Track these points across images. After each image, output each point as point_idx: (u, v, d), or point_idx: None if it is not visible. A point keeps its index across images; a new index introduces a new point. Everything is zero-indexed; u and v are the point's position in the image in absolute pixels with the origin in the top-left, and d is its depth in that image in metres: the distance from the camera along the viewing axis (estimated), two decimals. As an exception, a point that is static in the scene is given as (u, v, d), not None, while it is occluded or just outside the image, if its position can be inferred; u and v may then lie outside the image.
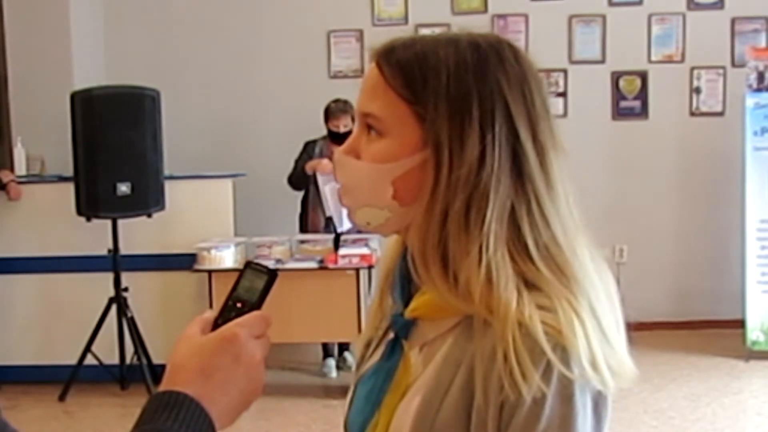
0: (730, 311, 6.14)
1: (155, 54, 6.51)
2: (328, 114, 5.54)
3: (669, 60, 6.48)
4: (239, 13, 6.52)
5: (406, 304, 1.03)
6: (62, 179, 5.57)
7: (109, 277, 5.31)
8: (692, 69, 6.47)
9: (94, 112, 5.10)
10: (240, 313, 0.93)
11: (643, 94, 6.52)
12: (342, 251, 5.13)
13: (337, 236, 5.45)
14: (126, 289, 5.34)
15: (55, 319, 5.65)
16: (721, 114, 6.48)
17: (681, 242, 6.55)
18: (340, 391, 5.25)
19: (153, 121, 5.32)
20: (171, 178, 5.54)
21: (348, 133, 5.33)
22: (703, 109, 6.50)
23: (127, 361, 5.35)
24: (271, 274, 0.95)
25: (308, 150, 5.62)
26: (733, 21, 6.44)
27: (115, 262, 5.31)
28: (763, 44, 6.34)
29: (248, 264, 0.98)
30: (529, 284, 0.95)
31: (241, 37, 6.52)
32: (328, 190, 5.29)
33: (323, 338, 5.56)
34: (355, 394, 1.09)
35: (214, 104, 6.55)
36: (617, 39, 6.45)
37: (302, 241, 5.43)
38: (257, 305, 0.94)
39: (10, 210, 5.58)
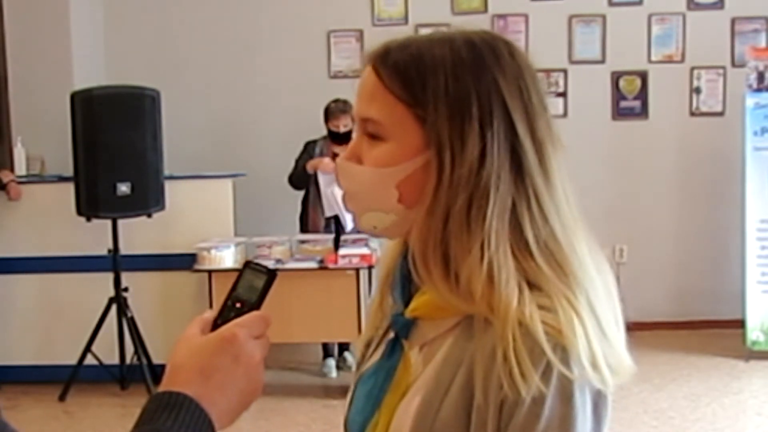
0: (730, 311, 6.13)
1: (155, 54, 6.51)
2: (328, 114, 5.54)
3: (669, 60, 6.48)
4: (239, 13, 6.52)
5: (407, 303, 1.03)
6: (62, 179, 5.57)
7: (109, 277, 5.31)
8: (692, 69, 6.47)
9: (94, 112, 5.10)
10: (239, 313, 0.93)
11: (643, 94, 6.52)
12: (342, 251, 5.13)
13: (338, 236, 5.46)
14: (126, 289, 5.34)
15: (55, 319, 5.65)
16: (721, 114, 6.48)
17: (681, 242, 6.55)
18: (340, 391, 5.25)
19: (153, 121, 5.31)
20: (171, 178, 5.54)
21: (348, 133, 5.38)
22: (703, 109, 6.50)
23: (127, 361, 5.35)
24: (271, 274, 0.95)
25: (309, 150, 5.63)
26: (733, 21, 6.44)
27: (115, 262, 5.31)
28: (763, 44, 6.34)
29: (247, 264, 0.97)
30: (530, 282, 0.95)
31: (241, 38, 6.52)
32: (330, 192, 5.29)
33: (323, 338, 5.56)
34: (355, 394, 1.09)
35: (214, 104, 6.55)
36: (617, 39, 6.45)
37: (302, 241, 5.43)
38: (257, 305, 0.94)
39: (10, 210, 5.58)
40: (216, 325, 0.93)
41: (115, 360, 5.36)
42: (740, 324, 5.78)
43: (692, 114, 6.52)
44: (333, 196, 5.33)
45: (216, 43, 6.52)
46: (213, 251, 5.21)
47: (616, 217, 6.33)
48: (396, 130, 0.99)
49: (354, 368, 1.17)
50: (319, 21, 6.49)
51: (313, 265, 5.15)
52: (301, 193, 5.71)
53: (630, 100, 6.53)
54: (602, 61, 6.50)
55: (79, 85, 5.57)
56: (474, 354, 0.95)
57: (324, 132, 5.63)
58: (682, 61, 6.48)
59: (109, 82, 5.90)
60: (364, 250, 5.12)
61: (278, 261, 5.15)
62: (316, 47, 6.52)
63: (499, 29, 6.25)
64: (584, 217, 1.02)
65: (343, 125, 5.44)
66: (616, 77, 6.51)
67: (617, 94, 6.54)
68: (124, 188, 5.19)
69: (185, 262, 5.34)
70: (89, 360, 5.27)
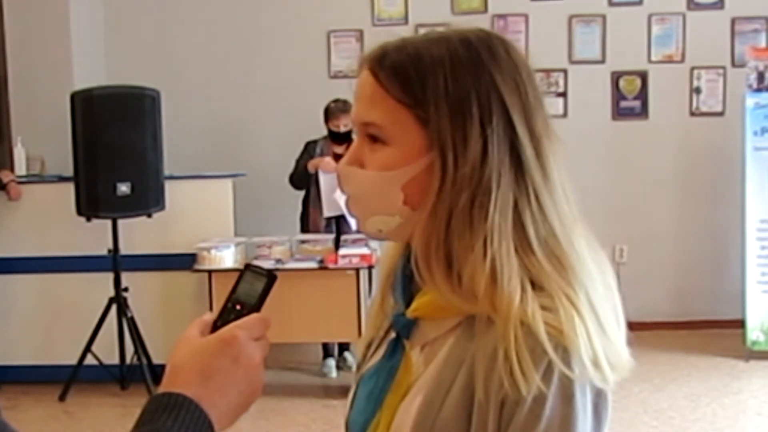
0: (730, 311, 6.13)
1: (155, 54, 6.51)
2: (328, 114, 5.54)
3: (669, 60, 6.48)
4: (239, 13, 6.52)
5: (408, 304, 1.03)
6: (62, 179, 5.57)
7: (109, 277, 5.31)
8: (692, 69, 6.47)
9: (94, 112, 5.10)
10: (239, 315, 0.93)
11: (643, 94, 6.52)
12: (342, 251, 5.13)
13: (338, 236, 5.47)
14: (126, 289, 5.34)
15: (55, 319, 5.65)
16: (721, 114, 6.48)
17: (681, 242, 6.55)
18: (340, 391, 5.25)
19: (153, 121, 5.31)
20: (171, 178, 5.54)
21: (348, 133, 5.38)
22: (703, 109, 6.50)
23: (127, 361, 5.35)
24: (271, 277, 0.95)
25: (309, 150, 5.63)
26: (733, 21, 6.43)
27: (115, 262, 5.31)
28: (763, 44, 6.34)
29: (247, 266, 0.98)
30: (531, 279, 0.95)
31: (240, 37, 6.52)
32: (332, 192, 5.29)
33: (323, 338, 5.56)
34: (356, 394, 1.09)
35: (214, 104, 6.55)
36: (617, 39, 6.45)
37: (302, 241, 5.43)
38: (256, 308, 0.94)
39: (10, 210, 5.58)
40: (215, 326, 0.93)
41: (115, 360, 5.36)
42: (740, 324, 5.78)
43: (692, 114, 6.52)
44: (335, 196, 5.33)
45: (216, 43, 6.52)
46: (213, 251, 5.21)
47: (616, 217, 6.33)
48: (398, 132, 0.99)
49: (354, 368, 1.17)
50: (319, 21, 6.49)
51: (313, 265, 5.15)
52: (301, 193, 5.71)
53: (630, 100, 6.53)
54: (602, 61, 6.50)
55: (79, 85, 5.57)
56: (475, 353, 0.95)
57: (324, 132, 5.63)
58: (682, 61, 6.48)
59: (109, 82, 5.90)
60: (364, 250, 5.12)
61: (278, 261, 5.16)
62: (316, 47, 6.52)
63: (499, 29, 6.25)
64: (584, 217, 1.02)
65: (343, 125, 5.44)
66: (616, 77, 6.51)
67: (617, 94, 6.54)
68: (124, 188, 5.19)
69: (185, 262, 5.33)
70: (89, 360, 5.27)
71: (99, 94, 5.22)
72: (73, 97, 5.11)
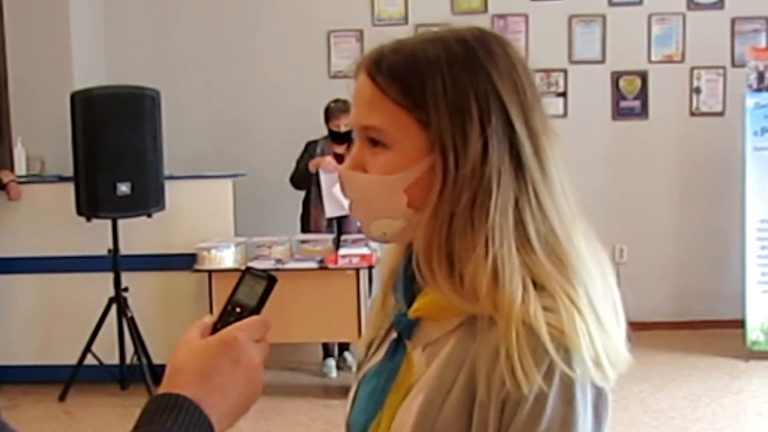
0: (730, 311, 6.13)
1: (155, 54, 6.51)
2: (329, 114, 5.55)
3: (669, 60, 6.48)
4: (239, 13, 6.52)
5: (410, 304, 1.03)
6: (62, 179, 5.57)
7: (109, 277, 5.31)
8: (692, 69, 6.47)
9: (94, 112, 5.10)
10: (239, 317, 0.93)
11: (643, 94, 6.52)
12: (342, 251, 5.13)
13: (339, 235, 5.48)
14: (126, 289, 5.34)
15: (55, 319, 5.65)
16: (721, 114, 6.48)
17: (681, 242, 6.55)
18: (340, 391, 5.25)
19: (153, 121, 5.31)
20: (171, 178, 5.54)
21: (349, 132, 5.38)
22: (703, 109, 6.50)
23: (127, 361, 5.35)
24: (271, 280, 0.95)
25: (309, 150, 5.63)
26: (733, 21, 6.44)
27: (115, 262, 5.31)
28: (763, 44, 6.34)
29: (248, 269, 0.98)
30: (533, 278, 0.95)
31: (241, 37, 6.52)
32: (334, 191, 5.30)
33: (323, 338, 5.56)
34: (357, 394, 1.09)
35: (214, 104, 6.55)
36: (617, 39, 6.45)
37: (302, 241, 5.43)
38: (256, 310, 0.94)
39: (10, 210, 5.58)
40: (215, 329, 0.93)
41: (115, 360, 5.36)
42: (740, 324, 5.78)
43: (692, 114, 6.52)
44: (337, 195, 5.34)
45: (216, 43, 6.52)
46: (213, 251, 5.21)
47: (616, 217, 6.33)
48: (399, 135, 0.99)
49: (354, 368, 1.17)
50: (319, 21, 6.49)
51: (313, 265, 5.15)
52: (301, 194, 5.70)
53: (630, 100, 6.53)
54: (602, 61, 6.50)
55: (79, 85, 5.57)
56: (477, 353, 0.95)
57: (324, 132, 5.63)
58: (682, 61, 6.48)
59: (109, 82, 5.90)
60: (364, 250, 5.11)
61: (278, 261, 5.15)
62: (316, 47, 6.52)
63: (499, 29, 6.25)
64: (584, 217, 1.02)
65: (343, 124, 5.44)
66: (616, 77, 6.51)
67: (617, 94, 6.54)
68: (124, 188, 5.19)
69: (185, 262, 5.33)
70: (89, 360, 5.27)
71: (99, 94, 5.22)
72: (73, 97, 5.11)
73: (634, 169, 6.53)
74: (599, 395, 0.94)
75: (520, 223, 0.96)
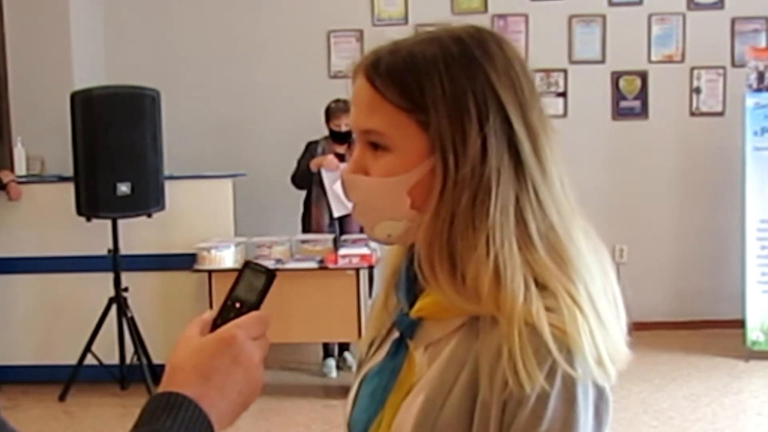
0: (730, 311, 6.13)
1: (155, 54, 6.51)
2: (329, 114, 5.55)
3: (669, 60, 6.48)
4: (239, 13, 6.52)
5: (412, 304, 1.04)
6: (62, 179, 5.57)
7: (109, 277, 5.31)
8: (692, 69, 6.47)
9: (94, 112, 5.10)
10: (239, 313, 0.93)
11: (643, 94, 6.52)
12: (342, 251, 5.13)
13: (341, 234, 5.47)
14: (126, 289, 5.34)
15: (55, 319, 5.65)
16: (721, 114, 6.48)
17: (681, 242, 6.55)
18: (340, 391, 5.25)
19: (153, 121, 5.31)
20: (171, 178, 5.54)
21: (349, 132, 5.38)
22: (703, 109, 6.50)
23: (127, 361, 5.35)
24: (270, 275, 0.95)
25: (310, 150, 5.63)
26: (733, 21, 6.44)
27: (115, 262, 5.31)
28: (763, 44, 6.34)
29: (247, 264, 0.97)
30: (535, 276, 0.95)
31: (241, 37, 6.52)
32: (336, 190, 5.30)
33: (323, 338, 5.56)
34: (358, 393, 1.09)
35: (214, 104, 6.55)
36: (617, 39, 6.45)
37: (302, 241, 5.42)
38: (256, 305, 0.94)
39: (10, 210, 5.58)
40: (215, 325, 0.93)
41: (115, 360, 5.36)
42: (740, 324, 5.78)
43: (692, 114, 6.52)
44: (334, 193, 5.34)
45: (216, 43, 6.52)
46: (213, 251, 5.21)
47: (616, 217, 6.33)
48: (400, 137, 0.99)
49: (354, 368, 1.17)
50: (319, 21, 6.49)
51: (313, 265, 5.15)
52: (302, 194, 5.70)
53: (630, 100, 6.53)
54: (602, 61, 6.50)
55: (79, 85, 5.57)
56: (479, 352, 0.95)
57: (324, 132, 5.63)
58: (682, 61, 6.48)
59: (109, 82, 5.90)
60: (364, 250, 5.11)
61: (278, 261, 5.15)
62: (316, 47, 6.52)
63: (499, 29, 6.25)
64: (584, 216, 1.02)
65: (344, 124, 5.44)
66: (616, 77, 6.51)
67: (617, 94, 6.54)
68: (124, 188, 5.19)
69: (185, 262, 5.33)
70: (89, 360, 5.27)
71: (99, 94, 5.22)
72: (73, 97, 5.11)
73: (634, 169, 6.53)
74: (600, 396, 0.94)
75: (521, 222, 0.96)
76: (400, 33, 1.04)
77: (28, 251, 5.60)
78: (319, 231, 5.57)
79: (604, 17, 6.47)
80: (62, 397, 5.29)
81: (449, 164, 0.96)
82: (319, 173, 5.52)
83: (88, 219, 5.21)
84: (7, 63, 6.03)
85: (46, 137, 5.89)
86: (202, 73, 6.53)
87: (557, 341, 0.91)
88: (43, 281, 5.63)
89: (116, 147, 5.14)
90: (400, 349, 1.05)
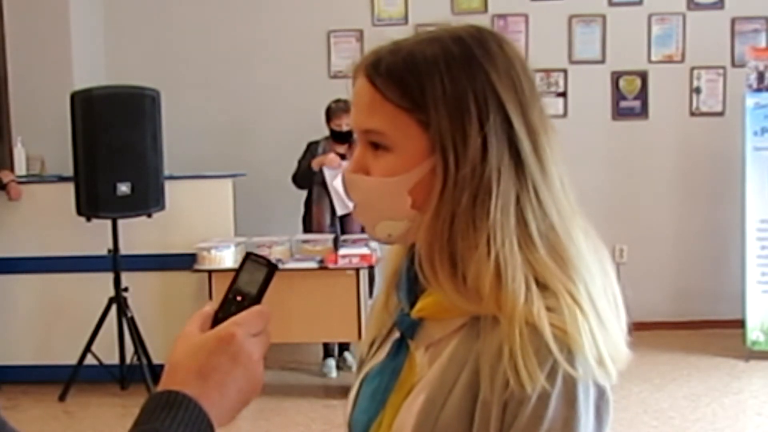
0: (730, 311, 6.13)
1: (155, 54, 6.51)
2: (330, 114, 5.55)
3: (669, 60, 6.48)
4: (239, 13, 6.52)
5: (413, 304, 1.04)
6: (62, 179, 5.57)
7: (109, 277, 5.31)
8: (692, 69, 6.47)
9: (94, 112, 5.10)
10: (240, 306, 0.93)
11: (643, 94, 6.52)
12: (342, 251, 5.13)
13: (342, 234, 5.47)
14: (126, 289, 5.34)
15: (55, 319, 5.65)
16: (721, 114, 6.48)
17: (681, 242, 6.55)
18: (340, 391, 5.25)
19: (153, 121, 5.31)
20: (171, 178, 5.54)
21: (350, 132, 5.39)
22: (703, 109, 6.50)
23: (127, 361, 5.35)
24: (271, 267, 0.95)
25: (311, 150, 5.63)
26: (733, 21, 6.44)
27: (115, 262, 5.31)
28: (763, 44, 6.34)
29: (248, 255, 0.97)
30: (536, 276, 0.95)
31: (241, 37, 6.52)
32: (338, 187, 5.31)
33: (323, 338, 5.56)
34: (359, 393, 1.09)
35: (214, 104, 6.55)
36: (617, 39, 6.45)
37: (302, 241, 5.42)
38: (257, 299, 0.94)
39: (10, 210, 5.58)
40: (217, 318, 0.93)
41: (115, 360, 5.36)
42: (740, 324, 5.78)
43: (692, 114, 6.52)
44: (339, 191, 5.35)
45: (216, 43, 6.52)
46: (213, 251, 5.21)
47: (616, 217, 6.33)
48: (400, 138, 0.99)
49: (354, 368, 1.17)
50: (319, 21, 6.49)
51: (313, 265, 5.15)
52: (302, 193, 5.70)
53: (630, 100, 6.53)
54: (602, 61, 6.50)
55: (79, 85, 5.57)
56: (480, 352, 0.95)
57: (324, 132, 5.63)
58: (682, 61, 6.48)
59: (109, 82, 5.90)
60: (364, 250, 5.11)
61: (278, 261, 5.14)
62: (316, 47, 6.53)
63: (499, 29, 6.23)
64: (584, 215, 1.02)
65: (345, 124, 5.44)
66: (616, 77, 6.51)
67: (617, 94, 6.54)
68: (124, 188, 5.19)
69: (185, 262, 5.33)
70: (89, 360, 5.27)
71: (99, 94, 5.22)
72: (73, 97, 5.11)
73: (634, 169, 6.53)
74: (601, 396, 0.94)
75: (521, 221, 0.96)
76: (400, 33, 1.04)
77: (28, 251, 5.60)
78: (320, 231, 5.57)
79: (604, 17, 6.47)
80: (62, 397, 5.29)
81: (449, 164, 0.96)
82: (320, 173, 5.52)
83: (88, 219, 5.21)
84: (7, 63, 6.03)
85: (46, 137, 5.89)
86: (202, 73, 6.53)
87: (558, 341, 0.91)
88: (43, 281, 5.63)
89: (116, 147, 5.14)
90: (400, 349, 1.05)
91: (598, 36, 6.49)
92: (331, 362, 5.69)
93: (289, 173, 5.65)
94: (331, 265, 5.08)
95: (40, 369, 5.61)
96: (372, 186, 1.01)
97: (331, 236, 5.43)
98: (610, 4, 6.47)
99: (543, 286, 0.95)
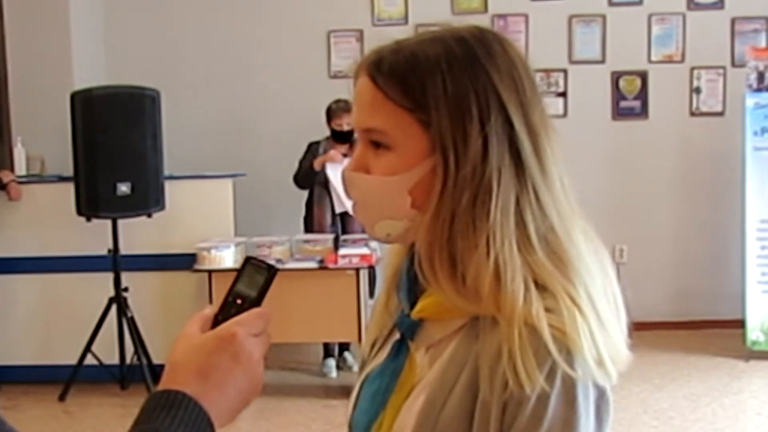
0: (730, 311, 6.13)
1: (155, 54, 6.51)
2: (330, 114, 5.55)
3: (669, 60, 6.48)
4: (239, 13, 6.52)
5: (413, 305, 1.04)
6: (62, 179, 5.57)
7: (109, 277, 5.31)
8: (692, 69, 6.47)
9: (94, 112, 5.10)
10: (240, 309, 0.93)
11: (643, 94, 6.52)
12: (342, 251, 5.13)
13: (343, 233, 5.47)
14: (126, 289, 5.34)
15: (55, 319, 5.65)
16: (721, 114, 6.48)
17: (681, 242, 6.55)
18: (340, 391, 5.25)
19: (153, 121, 5.31)
20: (171, 178, 5.54)
21: (351, 132, 5.39)
22: (703, 109, 6.50)
23: (127, 361, 5.35)
24: (271, 270, 0.95)
25: (312, 150, 5.63)
26: (733, 21, 6.44)
27: (115, 262, 5.31)
28: (763, 44, 6.34)
29: (248, 259, 0.97)
30: (534, 277, 0.95)
31: (241, 37, 6.52)
32: (335, 182, 5.32)
33: (323, 338, 5.56)
34: (360, 394, 1.09)
35: (214, 104, 6.55)
36: (617, 39, 6.45)
37: (302, 241, 5.42)
38: (257, 301, 0.94)
39: (10, 210, 5.58)
40: (216, 321, 0.93)
41: (115, 360, 5.36)
42: (740, 324, 5.78)
43: (692, 114, 6.52)
44: (338, 189, 5.35)
45: (216, 43, 6.52)
46: (213, 251, 5.21)
47: (616, 217, 6.33)
48: (401, 137, 0.99)
49: (355, 368, 1.17)
50: (319, 21, 6.49)
51: (313, 265, 5.15)
52: (303, 193, 5.70)
53: (630, 100, 6.53)
54: (602, 61, 6.50)
55: (79, 85, 5.57)
56: (480, 352, 0.95)
57: (324, 132, 5.63)
58: (682, 61, 6.48)
59: (109, 82, 5.90)
60: (364, 250, 5.11)
61: (278, 261, 5.15)
62: (316, 47, 6.53)
63: (499, 29, 6.22)
64: (584, 216, 1.02)
65: (346, 123, 5.44)
66: (616, 77, 6.51)
67: (617, 94, 6.54)
68: (124, 188, 5.19)
69: (185, 262, 5.33)
70: (89, 360, 5.27)
71: (99, 94, 5.22)
72: (73, 97, 5.11)
73: (634, 169, 6.53)
74: (601, 396, 0.94)
75: (521, 222, 0.96)
76: (400, 33, 1.04)
77: (28, 251, 5.60)
78: (321, 231, 5.57)
79: (604, 17, 6.47)
80: (62, 397, 5.29)
81: (450, 164, 0.96)
82: (322, 173, 5.52)
83: (88, 219, 5.21)
84: (7, 63, 6.04)
85: (46, 137, 5.89)
86: (202, 73, 6.53)
87: (557, 342, 0.91)
88: (43, 281, 5.63)
89: (116, 147, 5.14)
90: (401, 350, 1.05)
91: (598, 36, 6.49)
92: (331, 362, 5.69)
93: (289, 173, 5.65)
94: (331, 265, 5.08)
95: (40, 369, 5.61)
96: (372, 184, 1.01)
97: (331, 236, 5.43)
98: (610, 4, 6.47)
99: (542, 288, 0.95)
